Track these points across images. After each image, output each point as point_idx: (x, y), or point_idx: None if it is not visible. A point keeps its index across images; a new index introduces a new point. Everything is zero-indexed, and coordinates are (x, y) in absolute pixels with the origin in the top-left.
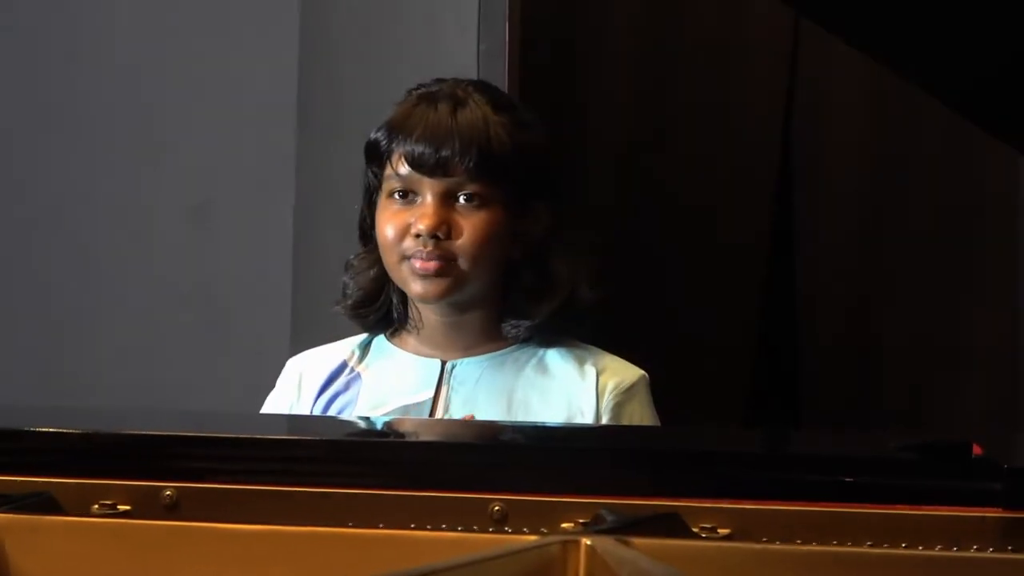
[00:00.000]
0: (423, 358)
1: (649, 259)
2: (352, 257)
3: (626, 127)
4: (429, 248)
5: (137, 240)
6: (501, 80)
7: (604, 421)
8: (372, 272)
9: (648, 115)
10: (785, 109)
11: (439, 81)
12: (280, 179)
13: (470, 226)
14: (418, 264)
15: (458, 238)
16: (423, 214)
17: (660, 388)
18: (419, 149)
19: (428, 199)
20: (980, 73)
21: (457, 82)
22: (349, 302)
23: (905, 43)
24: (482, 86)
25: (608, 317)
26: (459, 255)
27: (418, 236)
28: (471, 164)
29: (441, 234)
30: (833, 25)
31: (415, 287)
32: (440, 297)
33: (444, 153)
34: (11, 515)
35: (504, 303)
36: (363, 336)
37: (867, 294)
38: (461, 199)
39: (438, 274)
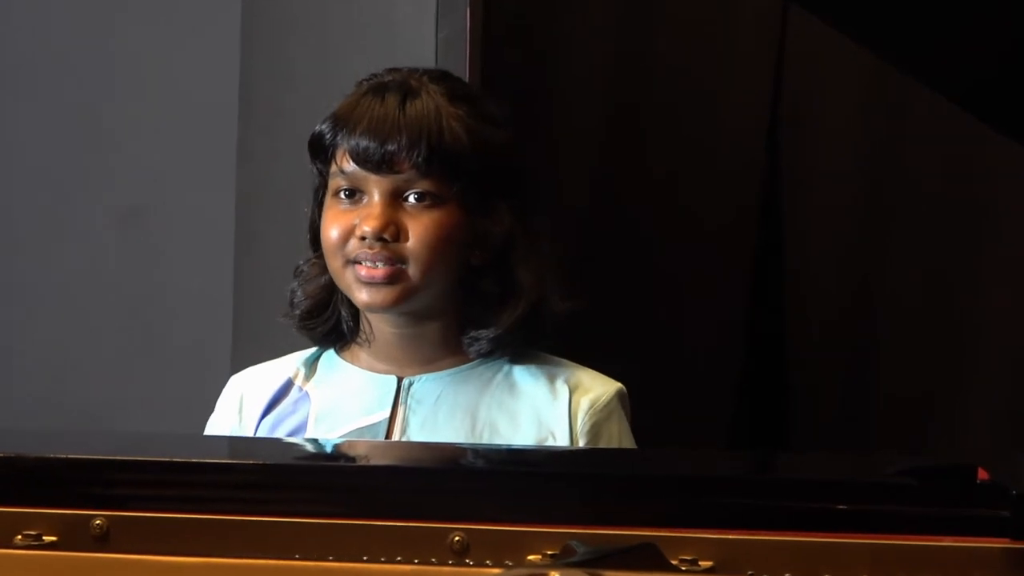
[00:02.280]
0: (377, 375)
1: (624, 264)
2: (302, 263)
3: (600, 122)
4: (375, 250)
5: (66, 244)
6: (462, 71)
7: (581, 444)
8: (322, 280)
9: (625, 109)
10: (772, 104)
11: (393, 71)
12: (220, 179)
13: (420, 227)
14: (363, 271)
15: (407, 240)
16: (368, 214)
17: (639, 401)
18: (363, 143)
19: (375, 198)
20: (982, 61)
21: (412, 71)
22: (296, 312)
23: (900, 28)
24: (439, 76)
25: (582, 326)
26: (408, 259)
27: (363, 238)
28: (420, 159)
29: (388, 236)
30: (823, 9)
31: (360, 295)
32: (388, 307)
33: (390, 147)
34: None
35: (464, 312)
36: (310, 351)
37: (863, 301)
38: (411, 198)
39: (386, 281)
